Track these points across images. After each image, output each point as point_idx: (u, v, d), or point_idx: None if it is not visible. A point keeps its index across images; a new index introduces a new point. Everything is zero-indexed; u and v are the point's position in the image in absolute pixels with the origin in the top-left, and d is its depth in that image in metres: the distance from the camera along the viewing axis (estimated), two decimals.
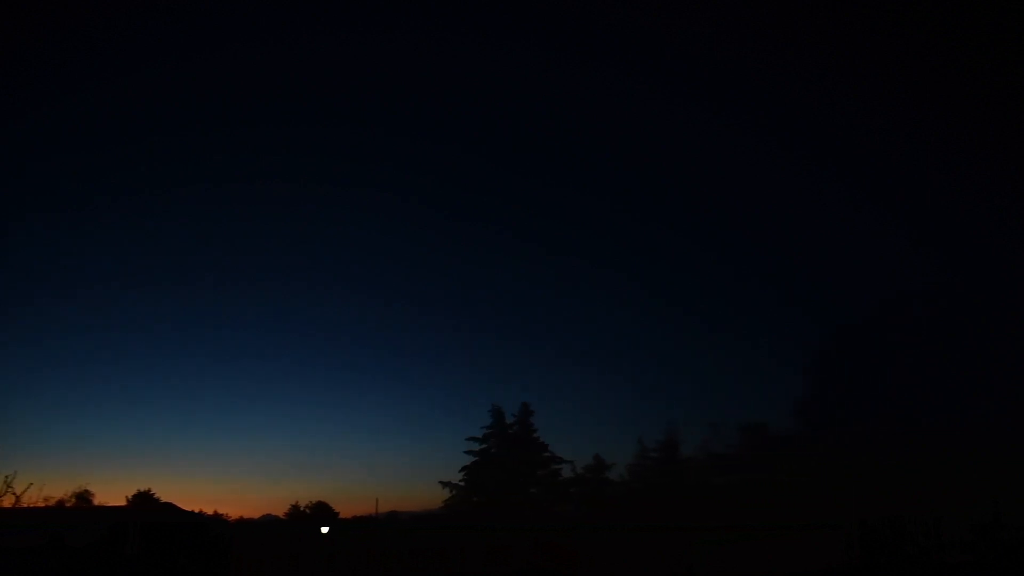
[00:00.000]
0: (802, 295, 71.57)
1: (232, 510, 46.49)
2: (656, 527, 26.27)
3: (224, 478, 59.72)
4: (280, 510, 47.13)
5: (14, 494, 30.50)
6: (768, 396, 66.81)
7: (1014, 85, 61.51)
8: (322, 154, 75.22)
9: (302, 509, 46.58)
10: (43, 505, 31.69)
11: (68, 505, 36.96)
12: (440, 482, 43.33)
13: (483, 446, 43.69)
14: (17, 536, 25.91)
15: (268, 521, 43.41)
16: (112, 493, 47.44)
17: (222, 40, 72.25)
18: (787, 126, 76.14)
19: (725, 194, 78.85)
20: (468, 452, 43.69)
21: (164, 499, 42.75)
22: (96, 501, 41.11)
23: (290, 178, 74.21)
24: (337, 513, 43.91)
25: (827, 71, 72.11)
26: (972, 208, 65.92)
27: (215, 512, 42.62)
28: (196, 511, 40.81)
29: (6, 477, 30.59)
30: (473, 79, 74.65)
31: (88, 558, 22.60)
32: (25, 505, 30.96)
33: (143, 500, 42.33)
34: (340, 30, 72.90)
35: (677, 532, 24.56)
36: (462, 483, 43.23)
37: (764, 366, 68.06)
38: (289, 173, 73.04)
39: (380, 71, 75.28)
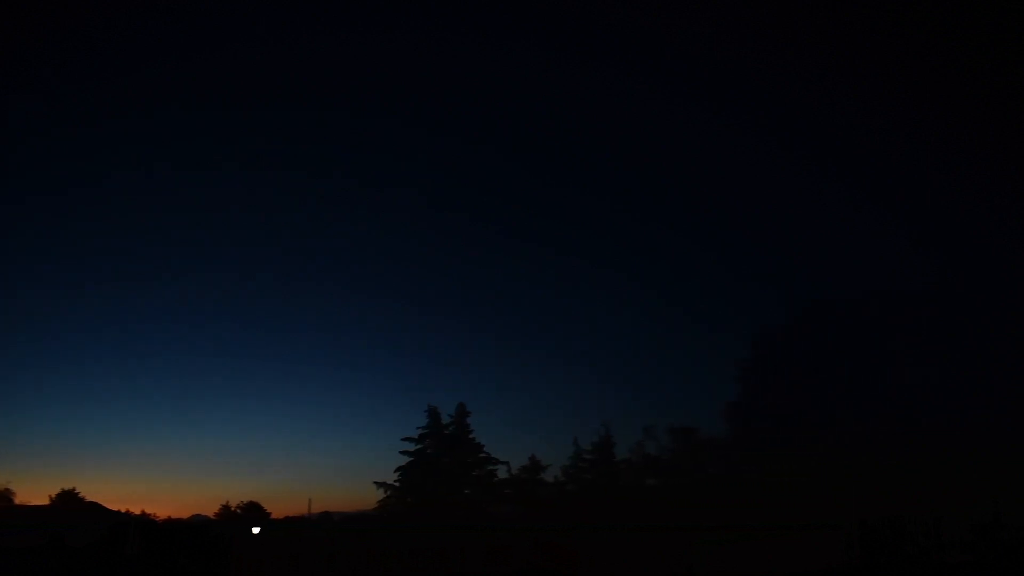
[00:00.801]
0: (736, 299, 71.95)
1: (160, 510, 46.01)
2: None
3: (152, 477, 59.17)
4: (210, 510, 46.84)
5: None
6: (703, 399, 68.99)
7: (975, 86, 61.60)
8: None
9: (233, 509, 46.12)
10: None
11: None
12: (375, 482, 43.21)
13: (419, 447, 43.42)
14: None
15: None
16: (35, 493, 46.51)
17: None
18: (738, 127, 76.24)
19: (661, 204, 79.08)
20: (404, 453, 43.49)
21: (89, 499, 42.16)
22: (17, 501, 40.56)
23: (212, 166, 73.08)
24: (269, 513, 43.52)
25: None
26: (945, 206, 65.95)
27: (142, 512, 41.88)
28: (122, 511, 40.46)
29: None
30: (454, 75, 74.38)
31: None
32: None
33: (67, 500, 41.37)
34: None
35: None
36: (397, 484, 42.93)
37: (700, 369, 68.86)
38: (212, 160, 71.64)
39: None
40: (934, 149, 70.32)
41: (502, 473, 43.40)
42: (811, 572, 22.63)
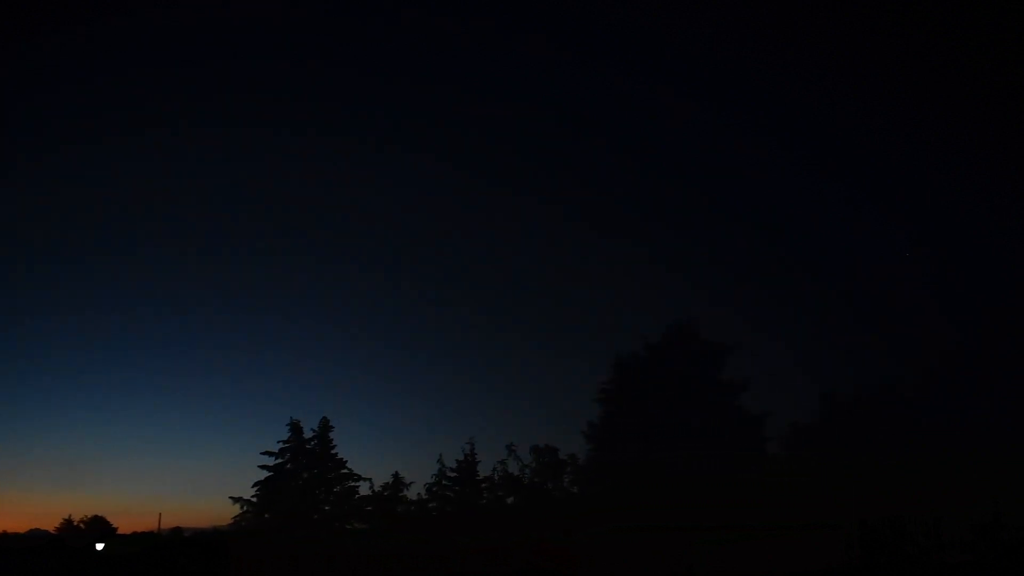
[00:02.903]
0: (603, 323, 71.61)
1: None
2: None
3: None
4: (51, 524, 45.06)
5: None
6: (568, 419, 67.66)
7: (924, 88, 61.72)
8: None
9: (76, 524, 44.66)
10: None
11: None
12: (231, 497, 41.71)
13: (279, 461, 42.12)
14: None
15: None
16: None
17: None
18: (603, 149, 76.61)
19: (532, 219, 78.62)
20: (263, 467, 41.95)
21: None
22: None
23: None
24: (115, 528, 42.07)
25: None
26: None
27: None
28: None
29: None
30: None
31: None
32: None
33: None
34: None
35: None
36: (254, 499, 41.58)
37: (564, 390, 69.75)
38: None
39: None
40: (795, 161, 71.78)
41: (364, 490, 42.71)
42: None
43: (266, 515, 41.29)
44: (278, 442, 42.48)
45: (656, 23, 73.27)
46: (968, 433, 43.24)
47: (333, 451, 42.89)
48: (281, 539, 34.98)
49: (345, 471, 42.66)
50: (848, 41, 70.29)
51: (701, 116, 77.76)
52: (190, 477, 61.33)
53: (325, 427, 42.99)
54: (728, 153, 76.90)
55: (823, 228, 73.12)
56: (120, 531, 40.93)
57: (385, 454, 69.68)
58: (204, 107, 74.19)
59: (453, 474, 43.28)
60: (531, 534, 24.26)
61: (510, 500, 43.61)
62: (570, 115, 79.88)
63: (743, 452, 43.75)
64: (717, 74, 75.76)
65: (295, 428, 42.63)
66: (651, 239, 75.66)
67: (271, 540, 33.84)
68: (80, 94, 71.61)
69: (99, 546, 23.49)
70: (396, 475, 43.22)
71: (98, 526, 42.49)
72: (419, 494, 43.28)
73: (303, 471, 42.34)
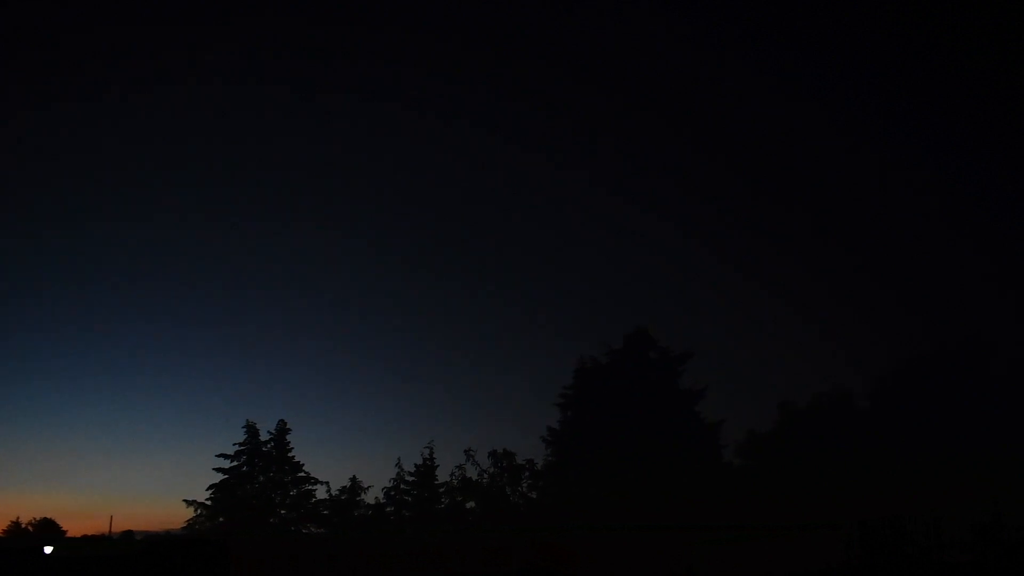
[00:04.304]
0: (562, 330, 73.36)
1: None
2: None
3: None
4: None
5: None
6: (526, 425, 69.37)
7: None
8: None
9: (24, 526, 43.69)
10: None
11: None
12: (184, 500, 40.91)
13: (234, 464, 41.33)
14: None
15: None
16: None
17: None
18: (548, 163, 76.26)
19: (491, 227, 79.79)
20: (218, 470, 41.17)
21: None
22: None
23: None
24: (65, 531, 41.20)
25: None
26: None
27: None
28: None
29: None
30: None
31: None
32: None
33: None
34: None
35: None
36: (208, 502, 40.79)
37: (524, 396, 70.87)
38: None
39: None
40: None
41: (321, 493, 42.11)
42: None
43: (220, 519, 40.47)
44: (234, 444, 41.70)
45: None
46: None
47: (290, 454, 42.11)
48: (281, 539, 34.98)
49: (302, 474, 41.91)
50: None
51: (655, 124, 77.94)
52: (142, 479, 60.18)
53: (282, 430, 42.14)
54: (684, 160, 77.26)
55: (781, 234, 73.33)
56: (70, 534, 39.84)
57: (343, 457, 68.24)
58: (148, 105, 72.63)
59: (412, 478, 42.83)
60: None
61: (469, 505, 43.44)
62: (524, 123, 79.92)
63: (700, 459, 44.25)
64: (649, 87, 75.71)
65: (251, 430, 41.78)
66: (612, 245, 75.87)
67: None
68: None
69: (47, 549, 23.06)
70: (354, 479, 42.77)
71: (47, 528, 41.53)
72: (377, 498, 42.85)
73: (259, 474, 41.58)
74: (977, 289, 59.31)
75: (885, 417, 46.52)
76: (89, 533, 37.88)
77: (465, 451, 43.76)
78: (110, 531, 38.00)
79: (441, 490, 43.20)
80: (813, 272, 70.30)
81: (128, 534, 38.90)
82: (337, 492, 42.24)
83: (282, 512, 41.68)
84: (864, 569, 23.66)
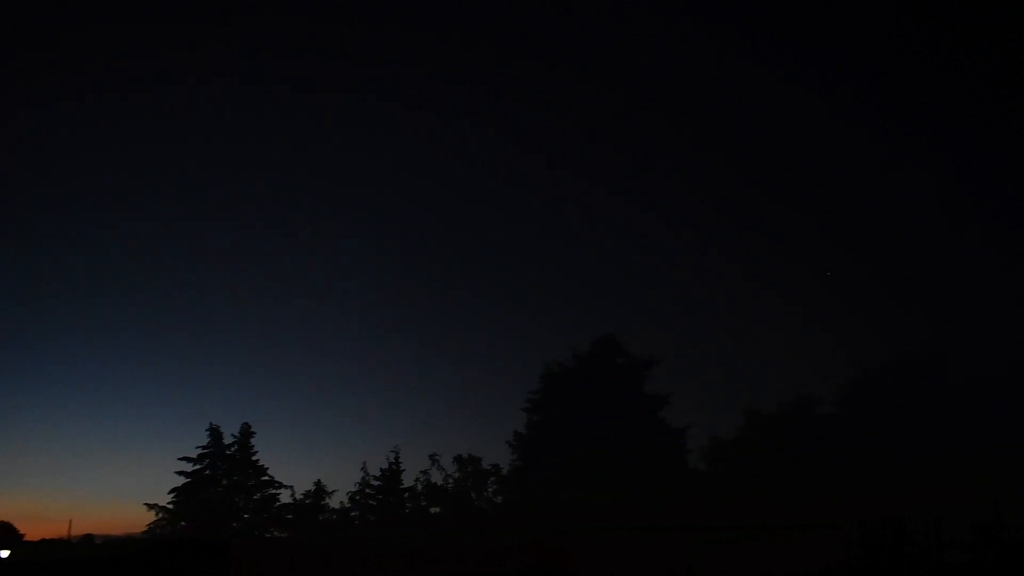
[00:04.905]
0: (529, 336, 71.40)
1: None
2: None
3: None
4: None
5: None
6: (491, 430, 69.81)
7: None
8: None
9: None
10: None
11: None
12: (146, 504, 40.21)
13: (197, 467, 40.55)
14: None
15: None
16: None
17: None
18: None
19: (458, 231, 78.05)
20: (180, 473, 40.34)
21: None
22: None
23: None
24: (22, 535, 39.84)
25: None
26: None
27: None
28: None
29: None
30: None
31: (47, 562, 22.31)
32: None
33: None
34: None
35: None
36: (171, 505, 40.04)
37: (490, 401, 69.47)
38: None
39: None
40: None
41: (285, 498, 41.53)
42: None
43: (182, 522, 39.93)
44: (196, 447, 41.02)
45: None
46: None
47: (254, 458, 41.51)
48: (281, 540, 34.81)
49: (266, 478, 41.32)
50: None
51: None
52: (102, 482, 57.25)
53: (246, 433, 41.55)
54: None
55: (749, 241, 73.12)
56: (27, 538, 38.86)
57: (307, 462, 65.98)
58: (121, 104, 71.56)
59: (377, 483, 42.47)
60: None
61: (434, 510, 43.21)
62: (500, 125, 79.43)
63: (664, 463, 44.47)
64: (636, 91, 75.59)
65: (215, 434, 41.14)
66: (580, 251, 75.51)
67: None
68: None
69: (4, 553, 22.62)
70: (318, 483, 42.30)
71: (3, 532, 39.98)
72: (342, 502, 42.43)
73: (222, 477, 40.99)
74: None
75: (856, 420, 46.74)
76: (48, 537, 37.37)
77: (430, 456, 43.50)
78: (69, 535, 37.59)
79: (406, 495, 42.78)
80: (786, 278, 70.01)
81: (88, 538, 38.26)
82: (302, 496, 41.75)
83: (245, 516, 41.05)
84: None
